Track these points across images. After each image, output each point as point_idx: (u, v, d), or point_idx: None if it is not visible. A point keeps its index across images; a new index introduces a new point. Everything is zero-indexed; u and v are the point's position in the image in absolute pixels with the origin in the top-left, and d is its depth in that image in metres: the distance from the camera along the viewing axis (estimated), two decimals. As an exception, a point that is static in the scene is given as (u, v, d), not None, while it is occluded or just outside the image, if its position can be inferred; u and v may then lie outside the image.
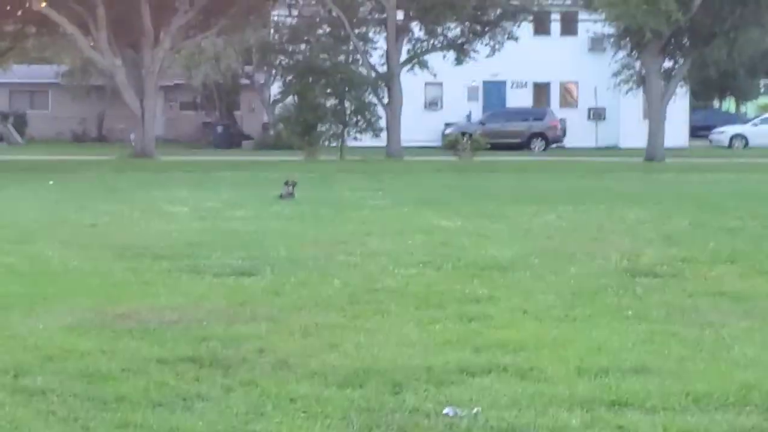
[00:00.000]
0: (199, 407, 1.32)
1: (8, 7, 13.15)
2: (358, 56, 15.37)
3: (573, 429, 1.17)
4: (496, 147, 15.47)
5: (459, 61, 15.87)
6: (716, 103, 24.99)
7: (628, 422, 1.21)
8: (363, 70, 15.08)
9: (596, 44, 17.78)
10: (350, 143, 14.71)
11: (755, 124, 20.99)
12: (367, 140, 14.69)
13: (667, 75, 15.46)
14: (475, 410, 1.28)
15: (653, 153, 14.45)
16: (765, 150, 17.26)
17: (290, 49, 15.52)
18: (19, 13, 13.51)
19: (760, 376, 1.59)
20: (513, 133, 17.75)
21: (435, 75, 16.20)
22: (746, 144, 19.06)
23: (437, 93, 19.39)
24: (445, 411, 1.27)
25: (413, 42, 15.72)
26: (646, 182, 11.09)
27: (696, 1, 13.84)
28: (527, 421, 1.20)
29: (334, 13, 14.61)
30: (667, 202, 7.67)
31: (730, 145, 19.26)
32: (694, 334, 2.21)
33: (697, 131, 21.33)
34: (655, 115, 15.07)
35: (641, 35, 14.37)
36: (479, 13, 15.57)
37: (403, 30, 15.56)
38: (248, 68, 17.85)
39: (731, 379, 1.59)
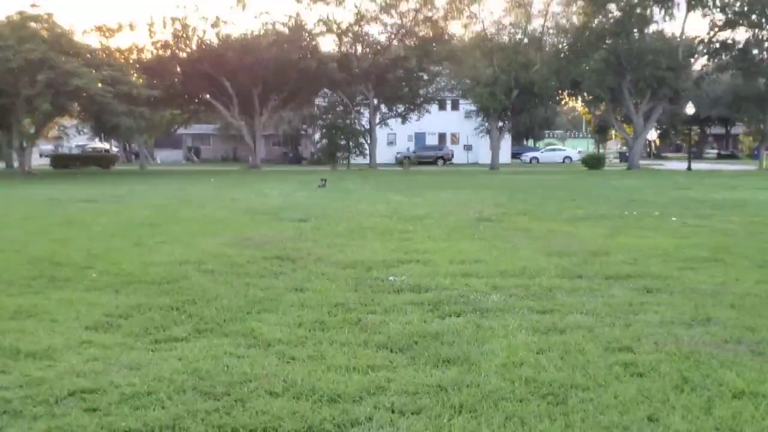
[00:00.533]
0: (281, 277, 3.05)
1: (190, 97, 26.04)
2: (356, 120, 25.82)
3: (445, 285, 2.89)
4: (421, 163, 27.77)
5: (403, 122, 28.01)
6: (524, 141, 42.21)
7: (471, 282, 2.92)
8: (358, 127, 25.82)
9: (468, 114, 30.31)
10: (353, 161, 25.60)
11: (542, 152, 34.65)
12: (360, 160, 25.68)
13: (501, 129, 27.28)
14: (403, 278, 2.91)
15: (494, 165, 25.60)
16: (548, 165, 29.53)
17: (324, 117, 26.17)
18: (196, 100, 25.90)
19: (527, 264, 3.51)
20: (429, 156, 30.53)
21: (392, 129, 28.69)
22: (538, 161, 32.16)
23: (393, 137, 32.02)
24: (389, 278, 2.87)
25: (381, 113, 27.23)
26: (490, 179, 17.42)
27: (513, 95, 25.00)
28: (426, 282, 2.98)
29: (344, 100, 26.23)
30: (499, 188, 12.65)
31: (530, 162, 32.04)
32: (505, 246, 4.29)
33: (515, 155, 33.91)
34: (495, 147, 26.09)
35: (487, 110, 25.43)
36: (413, 100, 26.93)
37: (376, 108, 26.44)
38: (304, 126, 29.64)
39: (518, 264, 3.43)
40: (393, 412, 1.41)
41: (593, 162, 23.64)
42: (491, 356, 1.90)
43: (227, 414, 1.40)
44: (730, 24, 21.91)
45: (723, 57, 22.77)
